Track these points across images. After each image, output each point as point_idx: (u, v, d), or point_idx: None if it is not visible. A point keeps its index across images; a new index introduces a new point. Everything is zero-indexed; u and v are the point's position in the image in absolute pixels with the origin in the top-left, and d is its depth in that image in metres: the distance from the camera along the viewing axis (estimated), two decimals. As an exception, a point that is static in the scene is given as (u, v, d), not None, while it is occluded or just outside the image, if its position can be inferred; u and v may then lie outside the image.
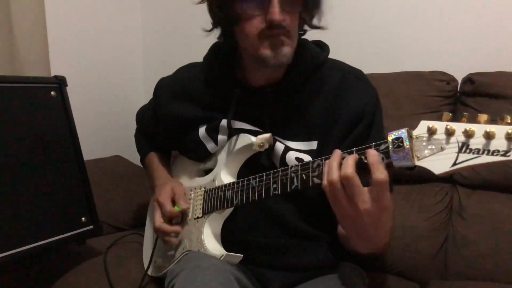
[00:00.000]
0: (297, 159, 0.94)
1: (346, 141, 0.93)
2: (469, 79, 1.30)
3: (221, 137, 1.01)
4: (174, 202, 1.02)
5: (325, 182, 0.72)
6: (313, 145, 0.94)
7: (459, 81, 1.34)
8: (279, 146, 0.95)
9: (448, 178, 1.30)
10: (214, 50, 1.03)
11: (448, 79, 1.32)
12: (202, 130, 1.03)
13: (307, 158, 0.94)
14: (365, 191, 0.69)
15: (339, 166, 0.71)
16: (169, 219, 1.01)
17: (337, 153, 0.73)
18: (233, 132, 0.98)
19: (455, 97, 1.34)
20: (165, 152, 1.24)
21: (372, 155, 0.69)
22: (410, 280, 1.20)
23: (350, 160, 0.70)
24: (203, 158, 1.06)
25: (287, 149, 0.95)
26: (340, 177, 0.70)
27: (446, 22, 1.42)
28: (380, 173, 0.67)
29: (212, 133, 1.02)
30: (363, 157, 0.71)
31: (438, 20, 1.43)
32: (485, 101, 1.25)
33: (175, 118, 1.07)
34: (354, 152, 0.73)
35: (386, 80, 1.32)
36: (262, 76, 0.96)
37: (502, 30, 1.35)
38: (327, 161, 0.74)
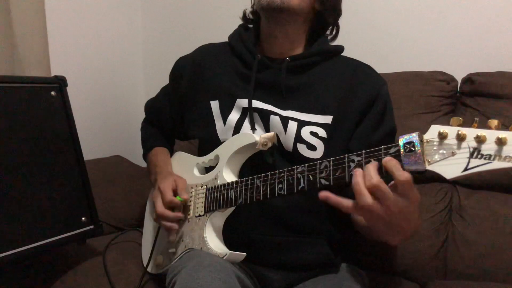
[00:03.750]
0: (312, 133, 0.96)
1: (364, 121, 0.97)
2: (469, 79, 1.30)
3: (231, 117, 1.02)
4: (175, 194, 1.01)
5: (359, 204, 0.72)
6: (328, 119, 0.97)
7: (459, 81, 1.34)
8: (292, 126, 0.97)
9: (448, 178, 1.30)
10: (240, 26, 1.12)
11: (448, 79, 1.32)
12: (215, 105, 1.04)
13: (321, 132, 0.96)
14: (391, 191, 0.70)
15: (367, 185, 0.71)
16: (170, 209, 1.01)
17: (359, 172, 0.72)
18: (249, 111, 1.00)
19: (455, 97, 1.34)
20: (170, 145, 1.26)
21: (388, 161, 0.69)
22: (410, 280, 1.20)
23: (372, 170, 0.70)
24: (207, 138, 1.05)
25: (301, 124, 0.97)
26: (368, 188, 0.70)
27: (446, 22, 1.42)
28: (401, 174, 0.68)
29: (225, 110, 1.03)
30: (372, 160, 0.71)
31: (438, 20, 1.43)
32: (485, 101, 1.26)
33: (195, 84, 1.09)
34: (363, 155, 0.73)
35: (386, 80, 1.32)
36: (280, 46, 1.03)
37: (502, 30, 1.36)
38: (356, 181, 0.72)
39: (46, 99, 1.08)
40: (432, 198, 1.27)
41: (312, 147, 0.96)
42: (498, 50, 1.36)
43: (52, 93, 1.09)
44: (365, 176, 0.71)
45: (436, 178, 1.27)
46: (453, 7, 1.41)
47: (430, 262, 1.21)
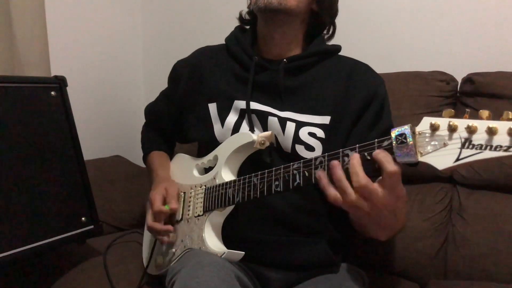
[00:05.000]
0: (310, 134, 0.96)
1: (361, 120, 0.97)
2: (469, 79, 1.30)
3: (229, 119, 1.02)
4: (166, 202, 1.02)
5: (342, 201, 0.72)
6: (326, 119, 0.97)
7: (459, 81, 1.34)
8: (290, 126, 0.97)
9: (448, 178, 1.30)
10: (237, 28, 1.13)
11: (448, 79, 1.32)
12: (213, 107, 1.04)
13: (320, 132, 0.96)
14: (379, 187, 0.70)
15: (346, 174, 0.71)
16: (159, 218, 1.01)
17: (337, 164, 0.73)
18: (247, 112, 1.00)
19: (455, 97, 1.34)
20: (170, 148, 1.26)
21: (378, 153, 0.69)
22: (410, 280, 1.20)
23: (358, 167, 0.70)
24: (206, 140, 1.06)
25: (299, 125, 0.97)
26: (356, 189, 0.70)
27: (446, 22, 1.42)
28: (391, 166, 0.68)
29: (223, 112, 1.03)
30: (366, 154, 0.71)
31: (438, 20, 1.43)
32: (485, 101, 1.26)
33: (193, 87, 1.10)
34: (357, 149, 0.73)
35: (386, 80, 1.32)
36: (277, 48, 1.03)
37: (502, 30, 1.36)
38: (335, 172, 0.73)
39: (46, 99, 1.08)
40: (432, 198, 1.27)
41: (310, 148, 0.96)
42: (498, 50, 1.36)
43: (52, 93, 1.09)
44: (352, 175, 0.71)
45: (434, 176, 1.29)
46: (453, 7, 1.41)
47: (430, 262, 1.21)
